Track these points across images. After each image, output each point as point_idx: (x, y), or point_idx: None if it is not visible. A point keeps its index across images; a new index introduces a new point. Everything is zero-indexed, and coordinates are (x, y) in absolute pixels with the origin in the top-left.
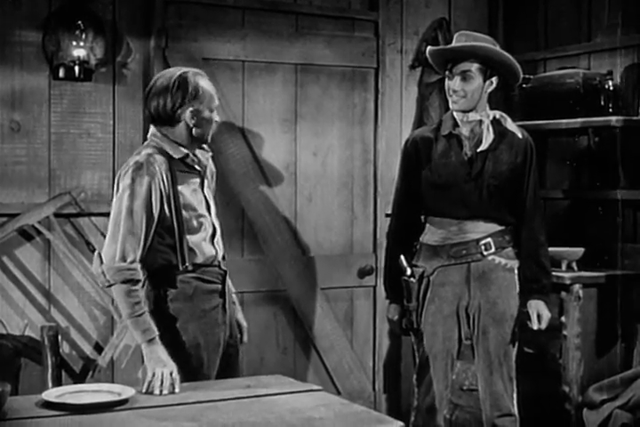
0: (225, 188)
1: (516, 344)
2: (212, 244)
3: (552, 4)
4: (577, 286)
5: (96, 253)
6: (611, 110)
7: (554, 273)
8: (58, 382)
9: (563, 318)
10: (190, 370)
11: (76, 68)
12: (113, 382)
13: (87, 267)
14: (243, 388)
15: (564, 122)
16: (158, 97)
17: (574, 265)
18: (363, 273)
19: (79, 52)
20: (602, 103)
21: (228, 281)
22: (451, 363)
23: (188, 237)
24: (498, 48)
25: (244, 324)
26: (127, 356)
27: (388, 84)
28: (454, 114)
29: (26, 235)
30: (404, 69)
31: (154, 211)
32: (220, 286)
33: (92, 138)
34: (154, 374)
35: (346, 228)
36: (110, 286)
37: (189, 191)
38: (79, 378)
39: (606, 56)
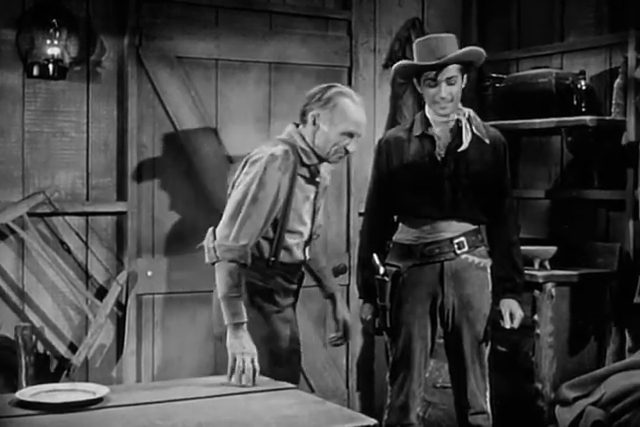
0: (198, 187)
1: (489, 343)
2: (304, 250)
3: (525, 3)
4: (550, 285)
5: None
6: (583, 110)
7: (527, 272)
8: (32, 382)
9: (535, 317)
10: (269, 362)
11: (50, 67)
12: (87, 381)
13: (61, 266)
14: (217, 386)
15: (538, 122)
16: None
17: (547, 264)
18: (336, 272)
19: (53, 51)
20: (574, 103)
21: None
22: (424, 361)
23: (286, 237)
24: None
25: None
26: (101, 355)
27: (362, 82)
28: (427, 114)
29: None
30: (378, 68)
31: (277, 204)
32: (296, 287)
33: (65, 137)
34: (235, 360)
35: None
36: (217, 262)
37: (303, 198)
38: (53, 377)
39: (579, 56)
